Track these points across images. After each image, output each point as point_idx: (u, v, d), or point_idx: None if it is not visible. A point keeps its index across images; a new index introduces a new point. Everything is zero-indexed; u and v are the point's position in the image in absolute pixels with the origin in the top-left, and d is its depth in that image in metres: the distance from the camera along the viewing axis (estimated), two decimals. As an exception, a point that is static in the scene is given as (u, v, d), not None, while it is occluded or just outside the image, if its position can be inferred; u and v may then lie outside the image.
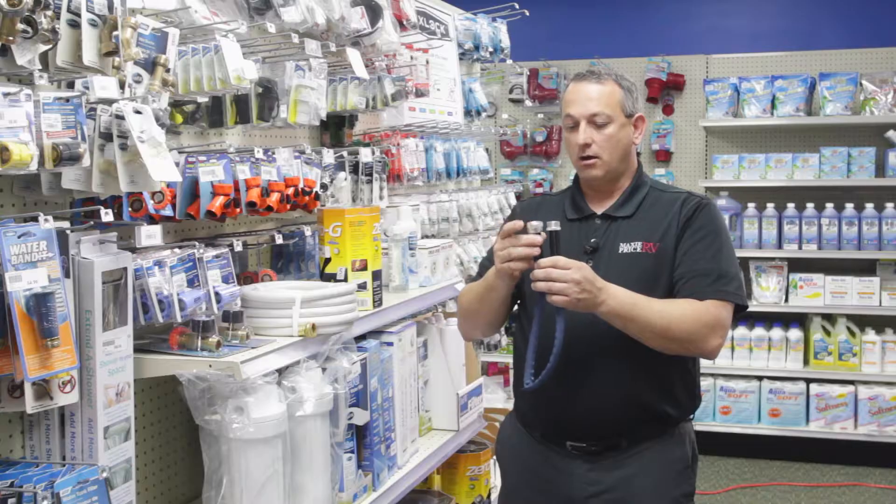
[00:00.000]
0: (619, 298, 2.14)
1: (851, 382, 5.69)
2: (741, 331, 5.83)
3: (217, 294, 2.09)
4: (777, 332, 5.80)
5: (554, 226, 2.14)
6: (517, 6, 4.25)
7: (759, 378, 5.83)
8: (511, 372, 2.58)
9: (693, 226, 2.27)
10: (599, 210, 2.36)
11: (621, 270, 2.25)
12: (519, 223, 2.13)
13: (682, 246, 2.26)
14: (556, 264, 2.10)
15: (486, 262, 2.48)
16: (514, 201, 4.32)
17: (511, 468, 2.48)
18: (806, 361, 5.77)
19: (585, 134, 2.28)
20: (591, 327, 2.23)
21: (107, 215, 1.76)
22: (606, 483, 2.29)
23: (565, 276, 2.08)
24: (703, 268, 2.23)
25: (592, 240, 2.31)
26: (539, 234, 2.13)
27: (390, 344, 2.70)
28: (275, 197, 2.29)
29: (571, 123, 2.32)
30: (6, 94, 1.52)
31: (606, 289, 2.13)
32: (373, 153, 2.89)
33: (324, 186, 2.64)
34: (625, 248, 2.28)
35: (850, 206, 5.70)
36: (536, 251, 2.12)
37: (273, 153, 2.40)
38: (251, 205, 2.24)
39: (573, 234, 2.34)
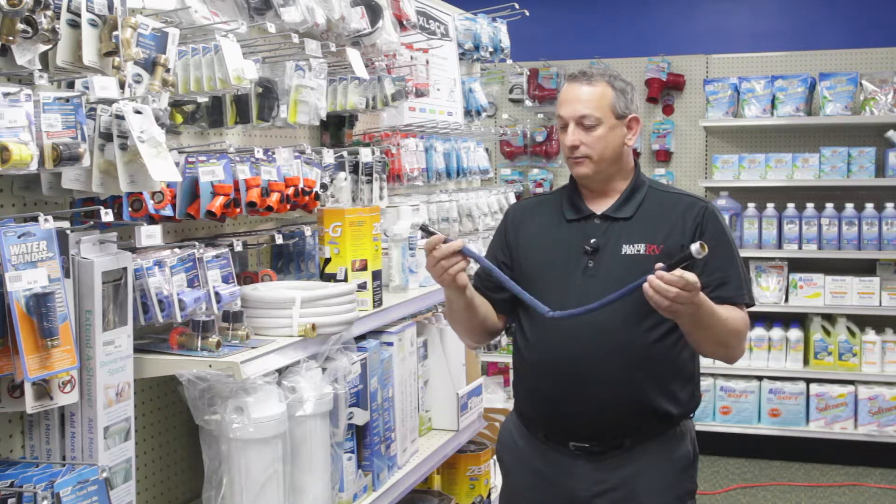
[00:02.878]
0: (705, 305, 2.12)
1: (851, 382, 5.69)
2: (741, 331, 5.82)
3: (217, 294, 2.09)
4: (777, 332, 5.80)
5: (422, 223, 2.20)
6: (517, 6, 4.25)
7: (759, 378, 5.82)
8: (511, 372, 2.57)
9: (706, 234, 2.28)
10: (598, 210, 2.36)
11: (624, 272, 2.25)
12: (439, 237, 2.20)
13: None
14: (679, 281, 2.03)
15: (480, 272, 2.49)
16: (514, 201, 4.32)
17: (513, 468, 2.48)
18: (806, 361, 5.77)
19: (574, 135, 2.30)
20: (592, 327, 2.23)
21: (107, 215, 1.76)
22: (610, 482, 2.29)
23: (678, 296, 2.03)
24: (721, 276, 2.26)
25: (592, 240, 2.31)
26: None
27: (390, 344, 2.70)
28: (275, 197, 2.29)
29: (562, 124, 2.34)
30: (6, 94, 1.52)
31: (700, 300, 2.10)
32: (373, 153, 2.89)
33: (324, 186, 2.64)
34: (627, 249, 2.28)
35: (850, 206, 5.70)
36: (455, 245, 2.17)
37: (273, 153, 2.40)
38: (251, 205, 2.24)
39: (572, 235, 2.34)
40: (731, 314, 2.24)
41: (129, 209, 1.92)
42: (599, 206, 2.37)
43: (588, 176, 2.33)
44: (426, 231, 2.26)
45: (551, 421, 2.35)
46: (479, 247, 3.88)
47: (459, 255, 2.20)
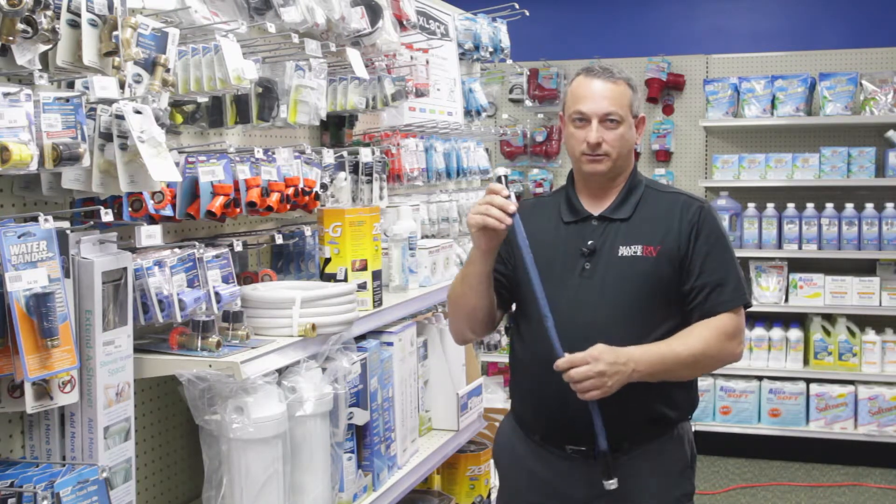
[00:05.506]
0: (647, 360, 2.16)
1: (851, 382, 5.69)
2: (741, 331, 5.83)
3: (217, 294, 2.09)
4: (777, 332, 5.80)
5: (501, 171, 2.28)
6: (517, 6, 4.25)
7: (759, 378, 5.82)
8: (510, 372, 2.57)
9: (702, 235, 2.28)
10: (595, 211, 2.35)
11: (620, 273, 2.25)
12: (505, 191, 2.22)
13: (695, 256, 2.27)
14: (572, 364, 2.12)
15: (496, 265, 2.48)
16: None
17: (510, 471, 2.48)
18: (806, 361, 5.77)
19: (598, 133, 2.27)
20: (588, 330, 2.22)
21: (107, 215, 1.76)
22: (607, 485, 2.29)
23: (589, 373, 2.11)
24: (718, 278, 2.26)
25: (590, 242, 2.30)
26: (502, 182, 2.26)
27: (390, 344, 2.70)
28: (275, 197, 2.29)
29: (579, 118, 2.30)
30: (6, 94, 1.52)
31: (632, 358, 2.14)
32: (373, 153, 2.89)
33: (324, 186, 2.64)
34: (624, 251, 2.28)
35: (850, 206, 5.70)
36: (512, 207, 2.19)
37: (273, 153, 2.40)
38: (251, 205, 2.24)
39: (570, 236, 2.33)
40: (700, 334, 2.23)
41: (129, 209, 1.92)
42: (597, 207, 2.36)
43: (603, 174, 2.32)
44: (503, 180, 2.26)
45: (548, 423, 2.34)
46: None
47: (506, 213, 2.19)
